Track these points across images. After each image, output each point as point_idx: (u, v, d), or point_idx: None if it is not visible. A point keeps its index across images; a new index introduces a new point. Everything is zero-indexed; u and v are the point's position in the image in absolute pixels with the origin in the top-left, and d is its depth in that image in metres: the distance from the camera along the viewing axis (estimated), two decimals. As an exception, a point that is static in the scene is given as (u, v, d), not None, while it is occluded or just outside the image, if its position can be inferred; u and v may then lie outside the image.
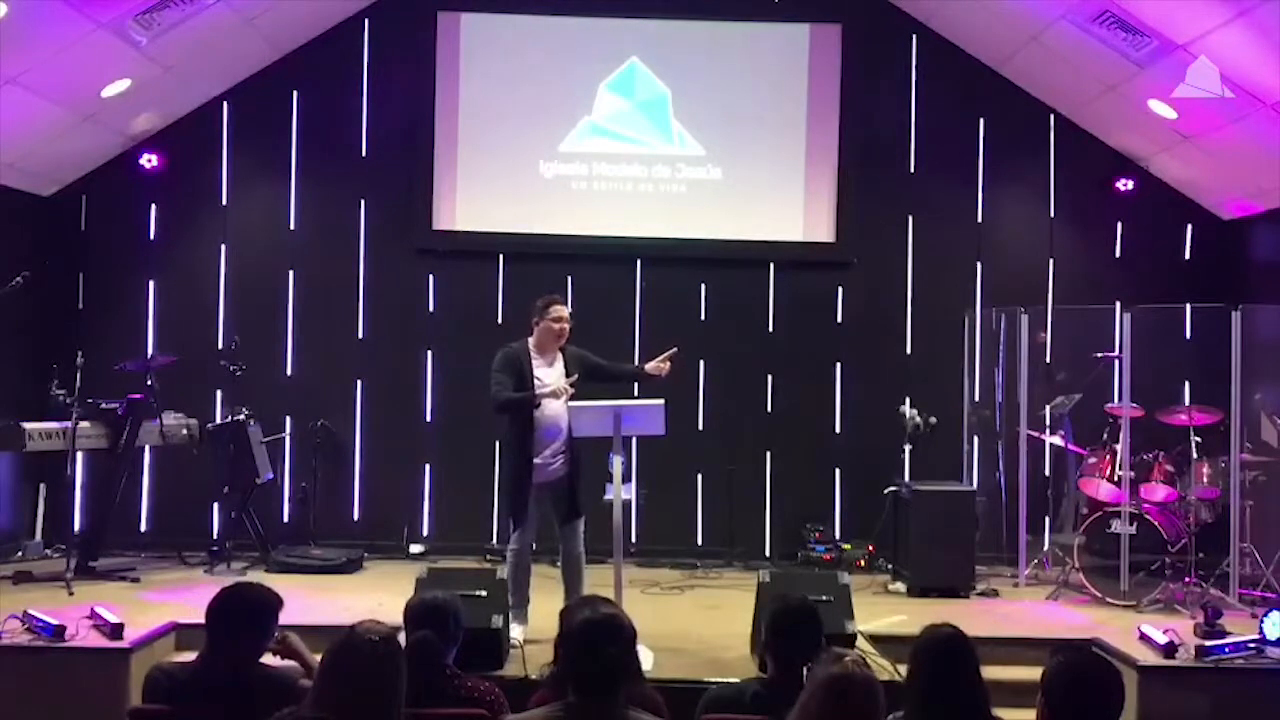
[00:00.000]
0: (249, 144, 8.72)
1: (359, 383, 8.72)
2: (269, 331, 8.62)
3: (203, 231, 8.75)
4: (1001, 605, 7.15)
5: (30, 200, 8.32)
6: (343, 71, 8.70)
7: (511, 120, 8.69)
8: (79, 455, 7.50)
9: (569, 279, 8.43)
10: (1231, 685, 5.56)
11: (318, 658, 3.11)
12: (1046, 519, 8.23)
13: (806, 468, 8.71)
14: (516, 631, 5.83)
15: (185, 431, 7.89)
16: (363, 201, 8.75)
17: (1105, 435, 7.47)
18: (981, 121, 8.80)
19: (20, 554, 8.03)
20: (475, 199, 8.71)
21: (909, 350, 8.81)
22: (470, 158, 8.70)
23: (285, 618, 3.64)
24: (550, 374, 6.02)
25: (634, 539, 8.37)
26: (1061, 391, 7.83)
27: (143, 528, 8.50)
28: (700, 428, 8.70)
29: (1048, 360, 8.21)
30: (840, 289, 8.83)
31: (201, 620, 3.52)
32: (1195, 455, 7.17)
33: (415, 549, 8.43)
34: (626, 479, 5.92)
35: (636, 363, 6.97)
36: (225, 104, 8.68)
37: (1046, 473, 8.29)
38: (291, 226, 8.76)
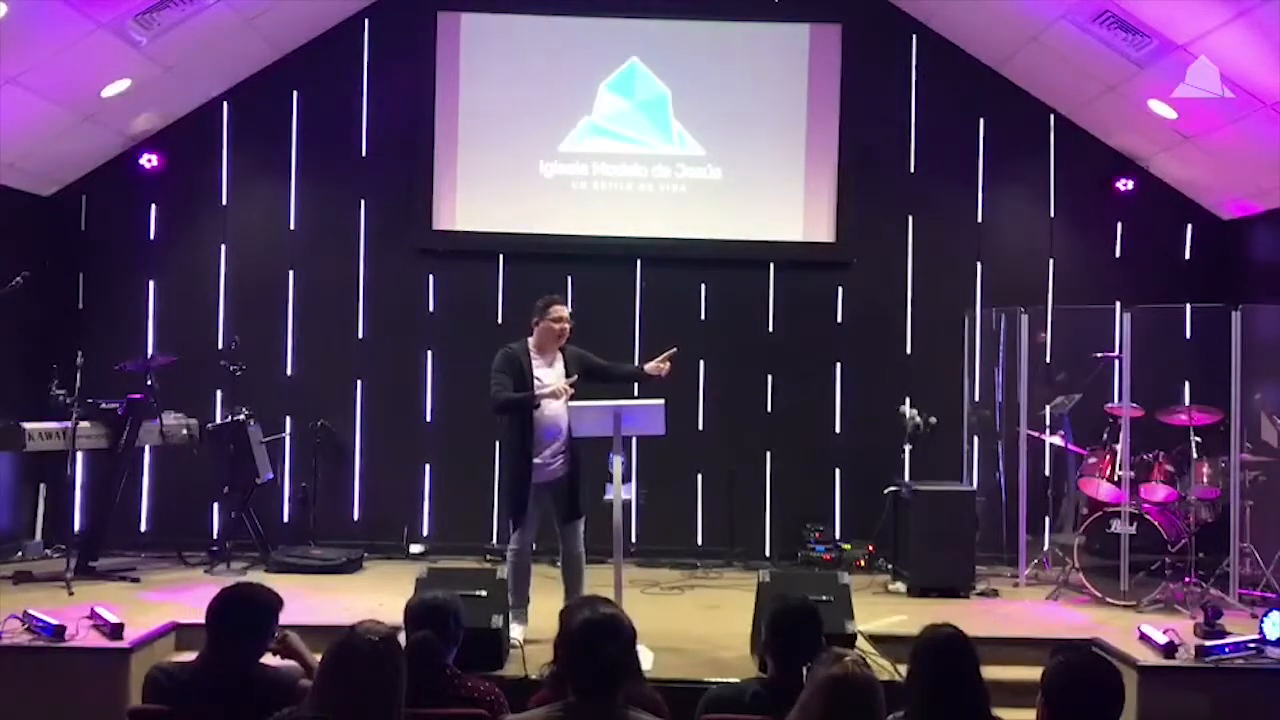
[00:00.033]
0: (249, 144, 8.73)
1: (359, 383, 8.72)
2: (269, 331, 8.63)
3: (203, 231, 8.75)
4: (1001, 605, 7.15)
5: (30, 200, 8.32)
6: (343, 71, 8.70)
7: (511, 120, 8.69)
8: (79, 455, 7.50)
9: (569, 279, 8.44)
10: (1231, 685, 5.57)
11: (318, 658, 3.11)
12: (1046, 519, 8.23)
13: (806, 468, 8.71)
14: (516, 631, 5.84)
15: (185, 431, 7.90)
16: (363, 201, 8.76)
17: (1105, 435, 7.48)
18: (981, 121, 8.80)
19: (20, 554, 8.03)
20: (475, 199, 8.71)
21: (909, 350, 8.81)
22: (470, 158, 8.70)
23: (285, 618, 3.64)
24: (550, 374, 6.02)
25: (634, 539, 8.38)
26: (1061, 391, 7.83)
27: (143, 528, 8.50)
28: (700, 428, 8.70)
29: (1048, 360, 8.21)
30: (840, 289, 8.83)
31: (201, 620, 3.52)
32: (1195, 455, 7.18)
33: (415, 549, 8.44)
34: (626, 479, 5.92)
35: (636, 363, 6.98)
36: (225, 104, 8.68)
37: (1046, 473, 8.29)
38: (291, 226, 8.76)
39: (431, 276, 8.75)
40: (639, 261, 8.77)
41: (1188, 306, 8.21)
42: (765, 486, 8.73)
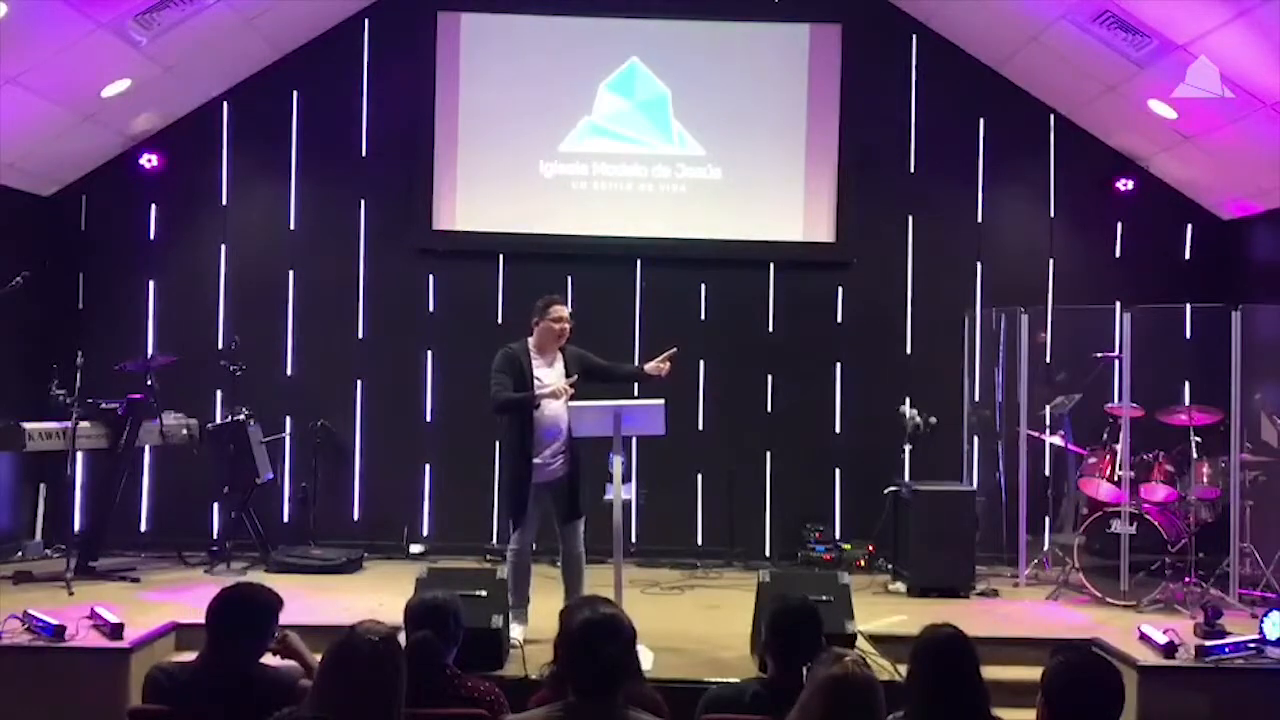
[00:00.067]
0: (249, 144, 8.73)
1: (359, 383, 8.72)
2: (269, 331, 8.63)
3: (203, 231, 8.75)
4: (1001, 605, 7.15)
5: (30, 200, 8.32)
6: (343, 71, 8.70)
7: (511, 120, 8.69)
8: (79, 455, 7.50)
9: (569, 279, 8.43)
10: (1231, 685, 5.57)
11: (318, 658, 3.11)
12: (1046, 519, 8.23)
13: (806, 468, 8.71)
14: (516, 631, 5.84)
15: (185, 431, 7.90)
16: (363, 201, 8.76)
17: (1105, 435, 7.48)
18: (981, 121, 8.80)
19: (20, 554, 8.03)
20: (475, 199, 8.71)
21: (909, 350, 8.81)
22: (470, 158, 8.70)
23: (285, 618, 3.64)
24: (550, 374, 6.02)
25: (634, 539, 8.38)
26: (1061, 391, 7.83)
27: (143, 528, 8.50)
28: (700, 428, 8.70)
29: (1048, 360, 8.21)
30: (840, 289, 8.83)
31: (201, 620, 3.52)
32: (1195, 455, 7.18)
33: (415, 549, 8.44)
34: (626, 479, 5.92)
35: (636, 363, 6.97)
36: (225, 104, 8.68)
37: (1046, 473, 8.29)
38: (291, 226, 8.76)
39: (431, 276, 8.75)
40: (639, 261, 8.77)
41: (1188, 306, 8.21)
42: (765, 486, 8.73)
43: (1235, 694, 5.55)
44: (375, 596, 6.76)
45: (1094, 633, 6.17)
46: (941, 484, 7.82)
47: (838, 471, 8.76)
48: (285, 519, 8.63)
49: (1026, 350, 7.78)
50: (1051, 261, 8.80)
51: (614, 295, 8.66)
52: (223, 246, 8.73)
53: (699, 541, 8.67)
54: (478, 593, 5.57)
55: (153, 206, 8.69)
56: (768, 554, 8.60)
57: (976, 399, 8.54)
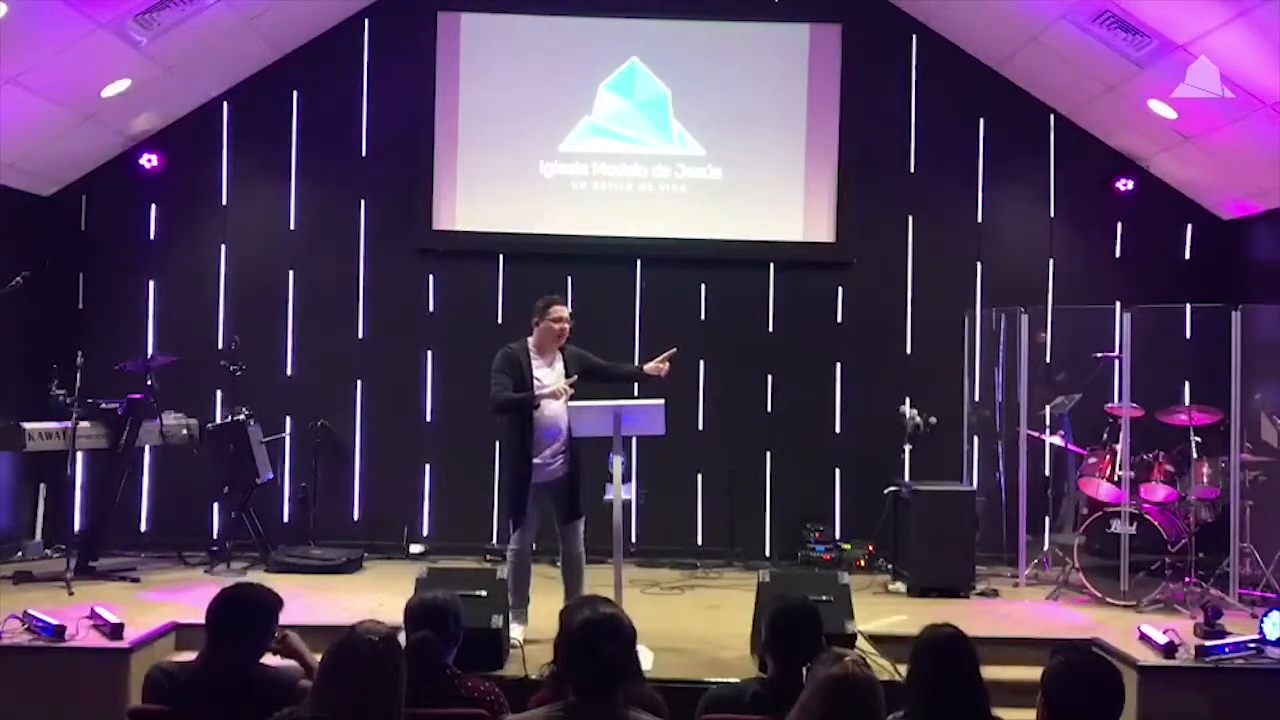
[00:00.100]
0: (249, 144, 8.73)
1: (359, 383, 8.72)
2: (269, 331, 8.63)
3: (203, 231, 8.75)
4: (1001, 605, 7.15)
5: (30, 200, 8.32)
6: (343, 71, 8.70)
7: (511, 120, 8.69)
8: (79, 455, 7.50)
9: (569, 279, 8.44)
10: (1231, 685, 5.57)
11: (318, 658, 3.11)
12: (1046, 519, 8.23)
13: (806, 468, 8.71)
14: (516, 631, 5.84)
15: (185, 431, 7.90)
16: (363, 201, 8.76)
17: (1105, 435, 7.47)
18: (981, 121, 8.80)
19: (20, 554, 8.03)
20: (475, 199, 8.71)
21: (909, 350, 8.81)
22: (470, 158, 8.70)
23: (285, 618, 3.63)
24: (550, 374, 6.02)
25: (634, 539, 8.38)
26: (1061, 391, 7.83)
27: (143, 528, 8.50)
28: (700, 428, 8.70)
29: (1048, 360, 8.21)
30: (840, 289, 8.83)
31: (201, 620, 3.52)
32: (1195, 455, 7.18)
33: (415, 549, 8.44)
34: (626, 479, 5.92)
35: (636, 363, 6.97)
36: (225, 104, 8.68)
37: (1046, 473, 8.28)
38: (291, 226, 8.76)
39: (431, 276, 8.75)
40: (639, 261, 8.77)
41: (1188, 306, 8.21)
42: (765, 486, 8.73)
43: (1235, 694, 5.55)
44: (375, 596, 6.76)
45: (1094, 633, 6.17)
46: (941, 484, 7.82)
47: (838, 471, 8.76)
48: (285, 519, 8.63)
49: (1026, 350, 7.78)
50: (1051, 261, 8.80)
51: (614, 295, 8.66)
52: (223, 246, 8.73)
53: (699, 541, 8.67)
54: (478, 593, 5.58)
55: (153, 206, 8.69)
56: (768, 554, 8.60)
57: (976, 399, 8.54)
